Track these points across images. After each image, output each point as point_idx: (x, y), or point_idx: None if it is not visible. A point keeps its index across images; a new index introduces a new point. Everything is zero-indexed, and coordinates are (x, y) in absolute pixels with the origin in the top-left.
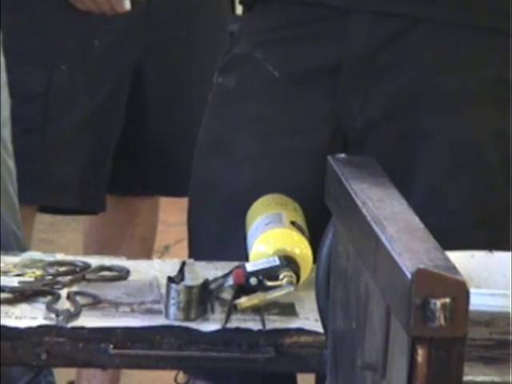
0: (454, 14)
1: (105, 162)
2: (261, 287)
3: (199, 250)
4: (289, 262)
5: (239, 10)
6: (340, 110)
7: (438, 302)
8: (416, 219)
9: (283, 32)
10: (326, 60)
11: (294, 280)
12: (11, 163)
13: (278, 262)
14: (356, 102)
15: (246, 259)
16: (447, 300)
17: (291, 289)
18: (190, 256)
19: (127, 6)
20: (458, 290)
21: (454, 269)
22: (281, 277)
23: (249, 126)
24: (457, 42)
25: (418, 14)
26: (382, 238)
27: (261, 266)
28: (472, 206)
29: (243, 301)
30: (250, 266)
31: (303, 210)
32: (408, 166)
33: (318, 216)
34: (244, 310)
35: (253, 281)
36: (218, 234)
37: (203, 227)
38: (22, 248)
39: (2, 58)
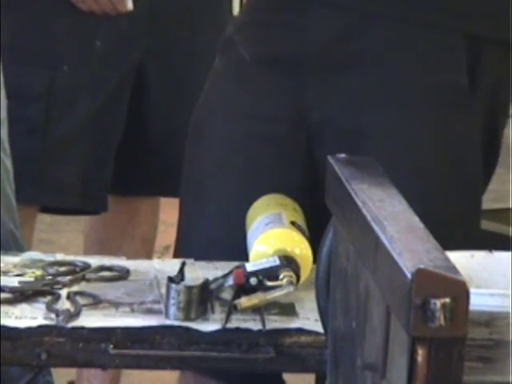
0: (408, 13)
1: (107, 163)
2: (261, 287)
3: (179, 228)
4: (289, 261)
5: (236, 10)
6: (300, 100)
7: (438, 302)
8: (416, 219)
9: (259, 17)
10: (290, 50)
11: (294, 280)
12: (9, 163)
13: (277, 262)
14: (314, 95)
15: (246, 259)
16: (447, 300)
17: (291, 289)
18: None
19: (129, 5)
20: (458, 290)
21: (454, 269)
22: (281, 277)
23: (221, 109)
24: (407, 42)
25: (373, 10)
26: (382, 237)
27: (261, 266)
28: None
29: (243, 301)
30: (250, 266)
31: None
32: None
33: None
34: (244, 310)
35: (253, 281)
36: (190, 212)
37: (182, 206)
38: (20, 248)
39: (1, 58)
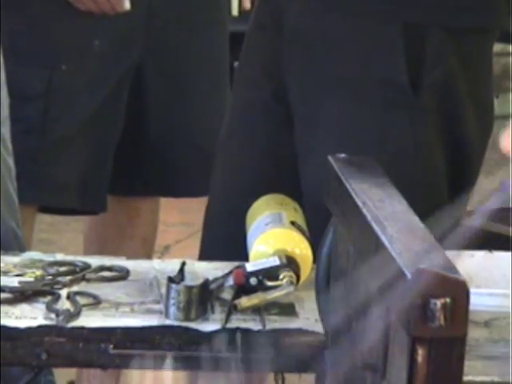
0: (348, 3)
1: (105, 162)
2: (261, 287)
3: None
4: (289, 261)
5: (235, 10)
6: (281, 76)
7: (438, 302)
8: (416, 219)
9: None
10: (274, 22)
11: (294, 280)
12: (11, 161)
13: (278, 262)
14: (289, 75)
15: (246, 259)
16: (447, 300)
17: (291, 289)
18: None
19: (127, 5)
20: (458, 290)
21: (454, 269)
22: (281, 277)
23: (236, 78)
24: (350, 36)
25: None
26: (382, 237)
27: (261, 266)
28: None
29: (243, 301)
30: (250, 266)
31: (250, 163)
32: (306, 153)
33: (269, 171)
34: (244, 310)
35: (253, 281)
36: (214, 173)
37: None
38: (22, 246)
39: (2, 58)
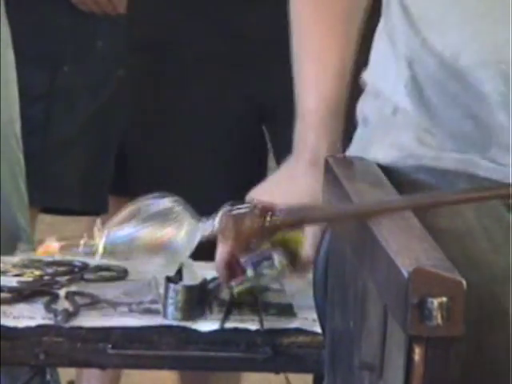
0: None
1: (107, 163)
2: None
3: None
4: (284, 248)
5: None
6: (250, 86)
7: (435, 301)
8: (414, 219)
9: (195, 14)
10: (231, 37)
11: (288, 264)
12: (22, 160)
13: (272, 252)
14: (262, 79)
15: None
16: (444, 299)
17: (285, 272)
18: None
19: None
20: (455, 289)
21: (451, 268)
22: (276, 263)
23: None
24: None
25: None
26: (379, 237)
27: (255, 259)
28: None
29: (236, 285)
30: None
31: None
32: None
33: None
34: (242, 310)
35: (249, 272)
36: None
37: None
38: (31, 246)
39: (11, 55)
